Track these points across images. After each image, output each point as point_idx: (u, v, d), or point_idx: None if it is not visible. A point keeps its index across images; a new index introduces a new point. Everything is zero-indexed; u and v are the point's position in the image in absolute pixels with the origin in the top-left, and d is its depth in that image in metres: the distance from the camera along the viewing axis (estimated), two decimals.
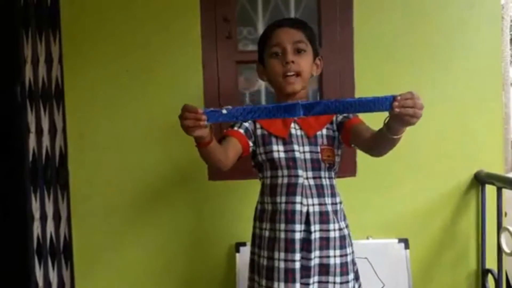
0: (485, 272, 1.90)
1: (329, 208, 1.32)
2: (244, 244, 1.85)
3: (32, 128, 2.00)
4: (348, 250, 1.35)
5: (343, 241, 1.33)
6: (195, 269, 1.93)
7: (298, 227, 1.29)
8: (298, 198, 1.30)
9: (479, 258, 1.93)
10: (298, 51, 1.34)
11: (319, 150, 1.34)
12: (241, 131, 1.35)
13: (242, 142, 1.33)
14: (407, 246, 1.86)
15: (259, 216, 1.39)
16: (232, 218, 1.90)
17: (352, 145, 1.35)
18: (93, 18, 1.91)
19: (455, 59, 1.91)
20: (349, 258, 1.34)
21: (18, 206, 2.06)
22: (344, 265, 1.32)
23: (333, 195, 1.35)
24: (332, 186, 1.36)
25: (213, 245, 1.92)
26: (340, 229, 1.33)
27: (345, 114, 1.34)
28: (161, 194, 1.93)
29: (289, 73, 1.32)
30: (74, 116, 1.94)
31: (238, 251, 1.86)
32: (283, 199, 1.32)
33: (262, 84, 2.00)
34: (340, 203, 1.38)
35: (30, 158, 2.00)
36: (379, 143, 1.19)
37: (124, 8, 1.90)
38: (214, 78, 1.91)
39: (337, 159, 1.38)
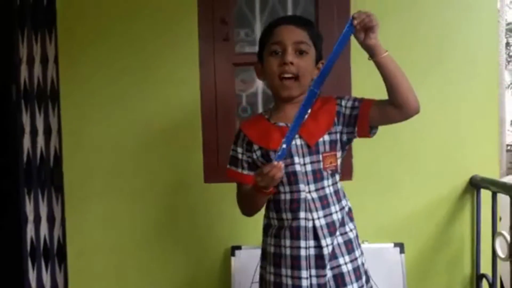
0: (480, 277, 1.91)
1: (335, 216, 1.26)
2: (239, 247, 1.85)
3: (27, 128, 1.98)
4: (357, 253, 1.29)
5: (350, 244, 1.27)
6: (190, 272, 1.92)
7: (303, 243, 1.24)
8: (302, 214, 1.24)
9: (474, 263, 1.93)
10: (300, 52, 1.25)
11: (321, 158, 1.26)
12: (251, 173, 1.31)
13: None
14: (402, 251, 1.87)
15: (265, 231, 1.34)
16: (227, 221, 1.89)
17: (373, 131, 1.27)
18: (89, 19, 1.91)
19: (451, 64, 1.91)
20: (359, 261, 1.29)
21: (12, 207, 2.05)
22: (357, 270, 1.27)
23: (339, 200, 1.29)
24: (336, 192, 1.29)
25: (209, 248, 1.91)
26: (345, 233, 1.28)
27: (352, 105, 1.26)
28: (157, 196, 1.93)
29: (286, 75, 1.24)
30: (69, 117, 1.93)
31: (233, 254, 1.85)
32: (289, 215, 1.26)
33: (259, 86, 1.99)
34: (346, 206, 1.32)
35: (25, 159, 1.98)
36: (388, 84, 1.18)
37: (120, 9, 1.90)
38: (211, 80, 1.90)
39: (339, 162, 1.31)
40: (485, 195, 1.87)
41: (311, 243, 1.24)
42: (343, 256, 1.25)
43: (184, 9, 1.88)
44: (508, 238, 1.68)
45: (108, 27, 1.90)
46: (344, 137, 1.29)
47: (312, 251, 1.24)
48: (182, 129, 1.92)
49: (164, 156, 1.92)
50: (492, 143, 1.96)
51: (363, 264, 1.31)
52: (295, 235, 1.25)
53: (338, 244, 1.26)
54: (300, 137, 1.26)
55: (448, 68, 1.91)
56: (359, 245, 1.32)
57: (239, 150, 1.34)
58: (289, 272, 1.25)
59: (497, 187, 1.79)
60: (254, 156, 1.31)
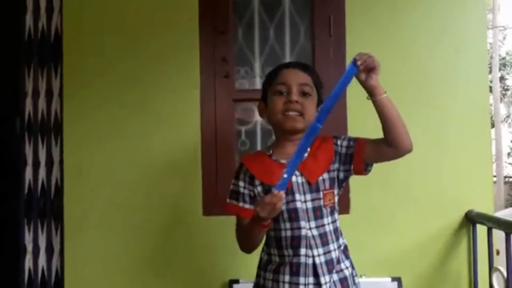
0: None
1: (333, 254, 1.29)
2: (237, 281, 1.84)
3: (29, 160, 2.01)
4: None
5: (345, 282, 1.29)
6: None
7: (302, 280, 1.25)
8: (303, 251, 1.26)
9: None
10: (304, 94, 1.30)
11: (321, 195, 1.29)
12: (247, 206, 1.33)
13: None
14: (400, 285, 1.87)
15: (264, 266, 1.34)
16: (226, 254, 1.89)
17: (368, 168, 1.32)
18: (94, 55, 1.97)
19: (443, 100, 1.96)
20: None
21: (11, 238, 2.05)
22: None
23: (337, 238, 1.32)
24: (335, 230, 1.32)
25: (207, 281, 1.91)
26: (340, 270, 1.30)
27: (347, 145, 1.32)
28: (156, 229, 1.94)
29: (291, 112, 1.28)
30: (71, 150, 1.96)
31: None
32: (290, 252, 1.28)
33: (257, 122, 2.04)
34: (343, 243, 1.35)
35: (26, 190, 2.00)
36: (384, 123, 1.23)
37: (125, 46, 1.97)
38: (211, 115, 1.95)
39: (336, 199, 1.34)
40: (481, 230, 1.89)
41: (311, 279, 1.25)
42: None
43: (186, 48, 1.95)
44: (505, 273, 1.69)
45: (111, 64, 1.97)
46: (341, 175, 1.34)
47: None
48: (181, 162, 1.95)
49: (163, 189, 1.94)
50: (486, 177, 1.99)
51: None
52: (295, 271, 1.26)
53: (334, 282, 1.27)
54: (302, 175, 1.30)
55: (441, 105, 1.97)
56: (354, 282, 1.33)
57: (241, 184, 1.35)
58: None
59: (492, 222, 1.81)
60: (256, 191, 1.33)
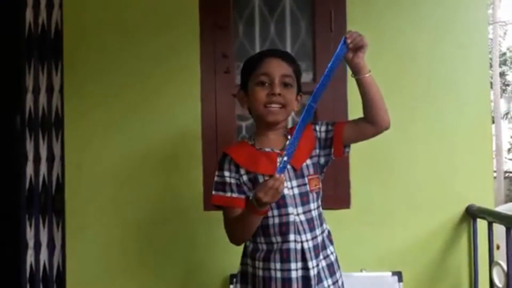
0: None
1: (319, 239, 1.32)
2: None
3: (30, 156, 2.02)
4: (338, 275, 1.35)
5: (332, 267, 1.33)
6: None
7: (293, 265, 1.27)
8: (291, 237, 1.27)
9: None
10: (285, 85, 1.31)
11: (306, 181, 1.31)
12: (242, 196, 1.32)
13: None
14: (400, 279, 1.87)
15: (251, 254, 1.34)
16: (226, 249, 1.89)
17: (346, 150, 1.34)
18: (95, 51, 1.97)
19: (444, 96, 1.97)
20: (340, 282, 1.35)
21: (12, 233, 2.05)
22: None
23: (321, 223, 1.35)
24: (320, 215, 1.35)
25: (207, 276, 1.92)
26: (327, 256, 1.33)
27: (326, 129, 1.34)
28: (157, 225, 1.94)
29: (273, 105, 1.30)
30: (72, 145, 1.96)
31: (232, 282, 1.85)
32: (278, 239, 1.29)
33: None
34: (326, 229, 1.37)
35: (27, 186, 2.01)
36: (367, 101, 1.26)
37: (125, 42, 1.97)
38: (212, 111, 1.95)
39: (320, 184, 1.37)
40: (482, 224, 1.90)
41: (299, 265, 1.28)
42: (327, 279, 1.31)
43: (187, 43, 1.95)
44: (505, 267, 1.70)
45: (112, 60, 1.96)
46: (322, 160, 1.36)
47: (299, 273, 1.27)
48: (182, 157, 1.96)
49: (165, 184, 1.95)
50: (487, 172, 2.00)
51: (343, 284, 1.37)
52: (286, 257, 1.28)
53: (323, 268, 1.31)
54: None
55: (442, 101, 1.97)
56: (339, 267, 1.37)
57: (226, 173, 1.33)
58: None
59: (493, 217, 1.82)
60: (241, 180, 1.33)
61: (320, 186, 1.36)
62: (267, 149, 1.33)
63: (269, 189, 1.17)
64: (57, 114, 2.03)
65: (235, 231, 1.34)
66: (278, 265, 1.28)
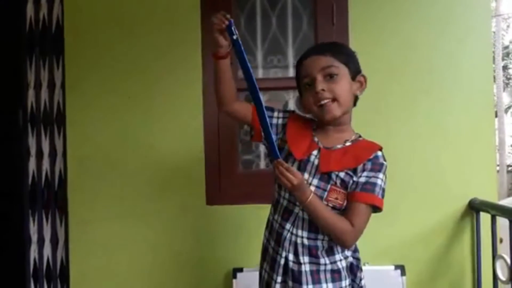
0: None
1: (319, 244, 1.27)
2: (241, 270, 1.85)
3: (33, 151, 2.02)
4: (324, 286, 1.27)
5: (316, 275, 1.27)
6: None
7: (284, 253, 1.27)
8: (288, 225, 1.27)
9: (475, 286, 1.93)
10: (331, 76, 1.25)
11: (328, 188, 1.24)
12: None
13: (254, 118, 1.29)
14: (403, 273, 1.87)
15: (267, 224, 1.38)
16: (229, 243, 1.91)
17: None
18: (96, 45, 1.97)
19: (447, 89, 1.96)
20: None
21: (16, 229, 2.06)
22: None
23: (331, 253, 1.28)
24: (330, 246, 1.29)
25: (210, 270, 1.92)
26: (324, 264, 1.28)
27: (364, 180, 1.25)
28: (159, 219, 1.94)
29: (322, 102, 1.24)
30: (74, 140, 1.96)
31: (235, 277, 1.85)
32: (278, 219, 1.31)
33: None
34: (343, 257, 1.30)
35: (30, 181, 2.01)
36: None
37: (126, 36, 1.96)
38: (213, 105, 1.93)
39: (344, 202, 1.26)
40: (485, 218, 1.89)
41: (291, 256, 1.27)
42: (307, 285, 1.25)
43: (188, 38, 1.95)
44: (509, 261, 1.70)
45: (113, 54, 1.96)
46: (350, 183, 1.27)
47: (290, 264, 1.27)
48: (184, 151, 1.95)
49: (167, 179, 1.94)
50: (490, 166, 1.99)
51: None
52: (277, 240, 1.29)
53: (309, 271, 1.27)
54: (319, 159, 1.26)
55: (445, 94, 1.95)
56: (335, 279, 1.29)
57: (280, 115, 1.36)
58: (267, 267, 1.32)
59: (496, 210, 1.81)
60: (279, 122, 1.35)
61: (343, 204, 1.25)
62: (321, 146, 1.28)
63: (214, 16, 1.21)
64: (59, 109, 2.03)
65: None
66: (272, 243, 1.31)
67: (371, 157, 1.26)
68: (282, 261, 1.28)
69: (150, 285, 1.93)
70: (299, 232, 1.27)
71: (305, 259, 1.26)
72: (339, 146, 1.28)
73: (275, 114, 1.36)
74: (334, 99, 1.25)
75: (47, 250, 2.01)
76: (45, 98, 2.04)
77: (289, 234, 1.27)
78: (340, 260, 1.29)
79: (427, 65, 1.96)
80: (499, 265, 1.79)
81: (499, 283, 1.81)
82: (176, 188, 1.95)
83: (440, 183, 1.94)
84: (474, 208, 1.91)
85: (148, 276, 1.94)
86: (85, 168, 1.95)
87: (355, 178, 1.24)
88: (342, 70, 1.27)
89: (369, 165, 1.25)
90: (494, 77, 11.91)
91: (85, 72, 1.96)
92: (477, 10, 1.98)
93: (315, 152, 1.27)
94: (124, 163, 1.95)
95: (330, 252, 1.28)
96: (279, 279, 1.28)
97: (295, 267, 1.26)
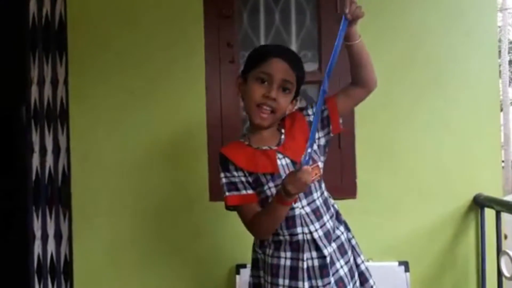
0: None
1: (328, 225, 1.31)
2: (244, 266, 1.85)
3: (36, 147, 2.02)
4: (349, 254, 1.35)
5: (342, 248, 1.33)
6: None
7: (307, 255, 1.28)
8: (299, 229, 1.28)
9: (479, 282, 1.93)
10: (284, 89, 1.29)
11: (314, 162, 1.27)
12: (250, 192, 1.31)
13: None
14: (407, 269, 1.87)
15: (260, 246, 1.37)
16: (232, 239, 1.90)
17: (341, 123, 1.34)
18: (99, 42, 1.96)
19: (453, 84, 1.94)
20: (352, 261, 1.35)
21: (20, 225, 2.07)
22: (350, 271, 1.34)
23: (328, 208, 1.34)
24: (325, 201, 1.34)
25: (214, 266, 1.92)
26: (337, 238, 1.34)
27: (320, 108, 1.27)
28: (163, 215, 1.95)
29: (265, 108, 1.28)
30: (78, 137, 1.96)
31: (238, 273, 1.86)
32: (285, 232, 1.29)
33: None
34: (334, 211, 1.37)
35: (33, 177, 2.02)
36: (358, 66, 1.28)
37: (129, 33, 1.96)
38: (216, 101, 1.94)
39: (321, 165, 1.33)
40: (490, 213, 1.88)
41: (314, 254, 1.29)
42: (338, 260, 1.32)
43: (191, 33, 1.94)
44: None
45: (116, 50, 1.95)
46: (322, 141, 1.35)
47: (316, 262, 1.28)
48: (188, 147, 1.95)
49: (170, 175, 1.95)
50: (495, 162, 1.98)
51: (357, 265, 1.38)
52: (296, 248, 1.29)
53: (334, 251, 1.31)
54: (285, 157, 1.31)
55: (450, 89, 1.94)
56: (351, 244, 1.38)
57: (234, 173, 1.32)
58: (286, 282, 1.29)
59: (501, 206, 1.80)
60: (247, 179, 1.32)
61: (321, 173, 1.31)
62: (264, 147, 1.32)
63: (297, 181, 1.15)
64: (62, 105, 2.03)
65: (261, 225, 1.30)
66: (288, 254, 1.30)
67: (304, 114, 1.36)
68: (305, 264, 1.28)
69: (153, 280, 1.94)
70: (311, 228, 1.29)
71: (329, 249, 1.29)
72: (282, 137, 1.33)
73: (234, 173, 1.33)
74: (274, 111, 1.29)
75: (51, 246, 2.02)
76: (48, 95, 2.04)
77: (302, 236, 1.28)
78: (342, 233, 1.36)
79: (432, 60, 1.94)
80: (503, 261, 1.78)
81: (504, 279, 1.80)
82: (180, 184, 1.95)
83: (445, 179, 1.93)
84: (479, 204, 1.90)
85: (151, 272, 1.94)
86: (88, 164, 1.95)
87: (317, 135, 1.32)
88: (293, 90, 1.33)
89: (310, 114, 1.35)
90: (500, 72, 11.84)
91: (88, 68, 1.96)
92: (483, 4, 1.96)
93: (278, 156, 1.30)
94: (127, 159, 1.95)
95: (333, 230, 1.34)
96: (306, 285, 1.28)
97: (321, 262, 1.28)
